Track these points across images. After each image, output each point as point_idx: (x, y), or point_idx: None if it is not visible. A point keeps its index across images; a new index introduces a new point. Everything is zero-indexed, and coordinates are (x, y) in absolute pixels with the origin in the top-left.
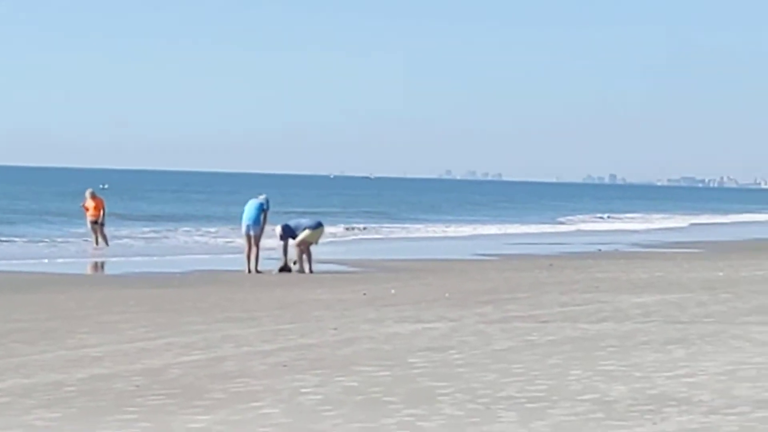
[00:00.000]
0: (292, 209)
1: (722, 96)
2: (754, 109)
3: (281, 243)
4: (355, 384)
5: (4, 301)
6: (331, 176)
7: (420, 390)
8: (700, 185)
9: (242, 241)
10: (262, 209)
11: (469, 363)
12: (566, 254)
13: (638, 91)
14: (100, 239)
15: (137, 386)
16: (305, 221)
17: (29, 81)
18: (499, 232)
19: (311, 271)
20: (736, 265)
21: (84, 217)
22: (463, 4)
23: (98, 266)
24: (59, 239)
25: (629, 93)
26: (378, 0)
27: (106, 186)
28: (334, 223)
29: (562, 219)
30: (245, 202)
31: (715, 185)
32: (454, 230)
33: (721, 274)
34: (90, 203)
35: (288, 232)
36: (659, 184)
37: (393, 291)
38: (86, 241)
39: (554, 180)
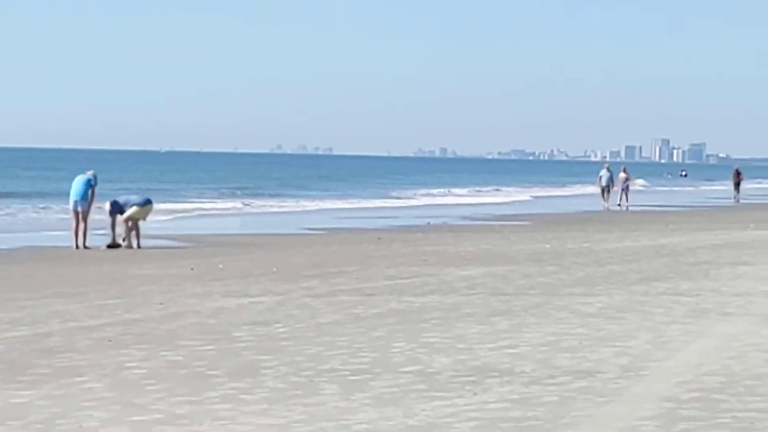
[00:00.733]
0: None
1: (553, 72)
2: (522, 83)
3: (110, 219)
4: (179, 358)
5: None
6: (162, 151)
7: (244, 363)
8: (531, 158)
9: (70, 217)
10: (90, 185)
11: (293, 336)
12: (395, 228)
13: (465, 66)
14: None
15: None
16: (134, 198)
17: None
18: (334, 206)
19: (139, 247)
20: (564, 237)
21: None
22: None
23: None
24: None
25: (459, 68)
26: None
27: None
28: (167, 200)
29: (394, 193)
30: (73, 178)
31: (546, 158)
32: (298, 205)
33: (548, 246)
34: None
35: (116, 208)
36: (490, 157)
37: (221, 266)
38: None
39: (385, 154)
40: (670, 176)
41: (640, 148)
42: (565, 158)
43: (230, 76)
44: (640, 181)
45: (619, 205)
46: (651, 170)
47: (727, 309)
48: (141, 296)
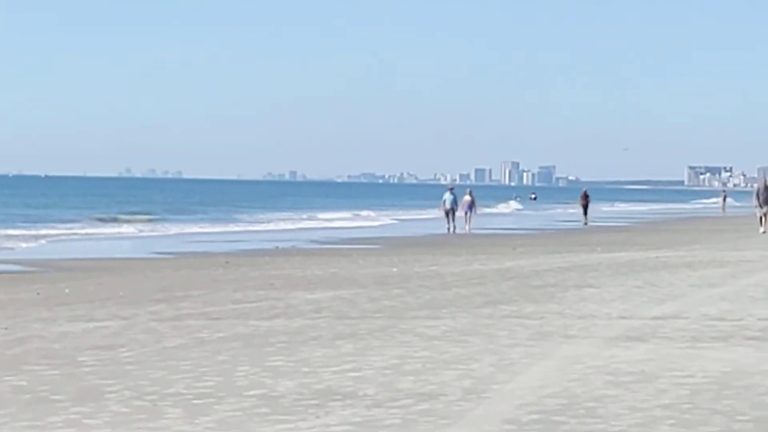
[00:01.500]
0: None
1: (399, 98)
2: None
3: None
4: (23, 383)
5: None
6: (10, 175)
7: (88, 388)
8: (381, 181)
9: None
10: None
11: (138, 361)
12: (244, 252)
13: (317, 92)
14: None
15: None
16: None
17: None
18: (184, 231)
19: None
20: (411, 261)
21: None
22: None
23: None
24: None
25: (308, 93)
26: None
27: None
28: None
29: (243, 216)
30: None
31: (396, 181)
32: (148, 229)
33: (395, 269)
34: None
35: None
36: (340, 180)
37: (67, 290)
38: None
39: (235, 177)
40: (519, 199)
41: (490, 170)
42: (415, 181)
43: (77, 98)
44: (513, 204)
45: (464, 228)
46: (500, 193)
47: (571, 332)
48: None
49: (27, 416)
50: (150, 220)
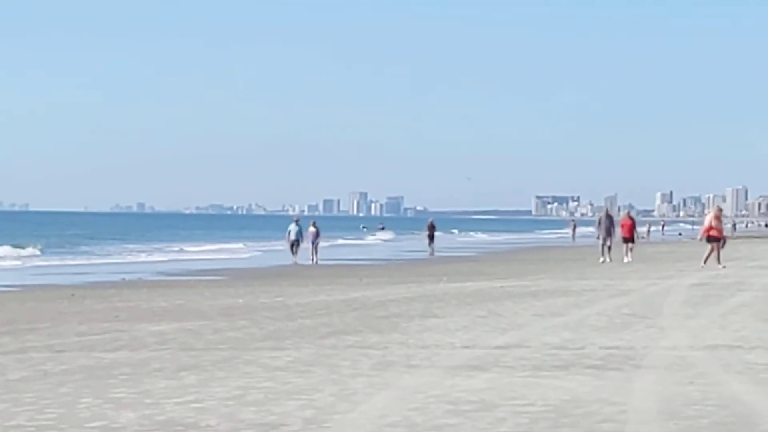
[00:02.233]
0: None
1: (245, 128)
2: (273, 141)
3: None
4: None
5: None
6: None
7: None
8: (229, 212)
9: None
10: None
11: None
12: (90, 284)
13: (161, 123)
14: None
15: None
16: None
17: None
18: (29, 264)
19: None
20: (257, 292)
21: None
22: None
23: None
24: None
25: (152, 125)
26: None
27: None
28: None
29: (90, 249)
30: None
31: (244, 212)
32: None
33: (240, 301)
34: None
35: None
36: (188, 212)
37: None
38: None
39: (82, 209)
40: (366, 229)
41: (338, 201)
42: (263, 212)
43: None
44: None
45: (310, 259)
46: (349, 224)
47: (413, 361)
48: None
49: None
50: None
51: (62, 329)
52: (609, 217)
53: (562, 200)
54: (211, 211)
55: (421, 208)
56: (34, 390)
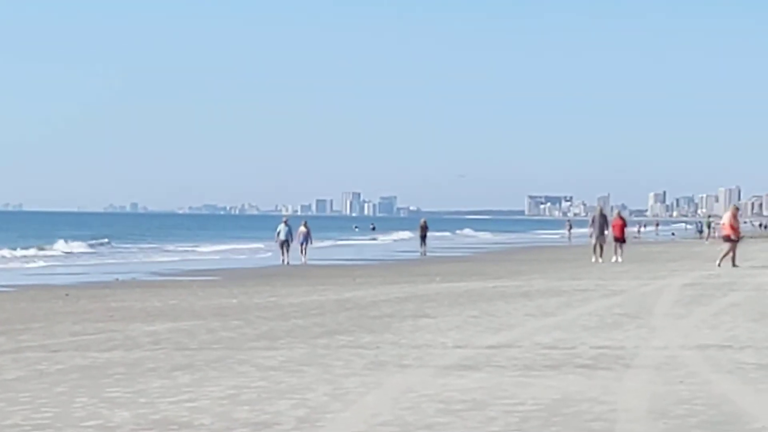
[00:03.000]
0: None
1: (235, 128)
2: (265, 141)
3: None
4: None
5: None
6: None
7: None
8: (222, 212)
9: None
10: None
11: None
12: (83, 284)
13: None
14: None
15: None
16: None
17: None
18: (24, 265)
19: None
20: (251, 292)
21: None
22: None
23: None
24: None
25: (143, 123)
26: None
27: None
28: None
29: (83, 249)
30: None
31: (237, 212)
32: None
33: (234, 301)
34: None
35: None
36: (181, 212)
37: None
38: None
39: (76, 209)
40: (358, 229)
41: (331, 201)
42: (256, 212)
43: None
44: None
45: (300, 259)
46: (341, 224)
47: (405, 361)
48: None
49: None
50: None
51: (57, 329)
52: (603, 217)
53: (554, 200)
54: (204, 211)
55: (414, 208)
56: (29, 389)
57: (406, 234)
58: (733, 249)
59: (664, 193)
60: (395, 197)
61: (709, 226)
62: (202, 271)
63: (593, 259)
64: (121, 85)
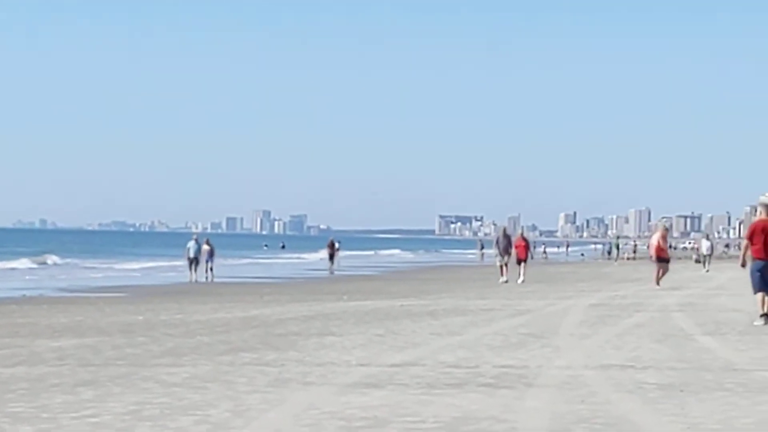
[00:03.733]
0: None
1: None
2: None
3: None
4: None
5: None
6: None
7: None
8: (132, 229)
9: None
10: None
11: None
12: None
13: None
14: None
15: None
16: None
17: None
18: None
19: None
20: (158, 309)
21: None
22: None
23: None
24: None
25: (57, 141)
26: None
27: None
28: None
29: None
30: None
31: (147, 229)
32: None
33: (140, 318)
34: None
35: None
36: (90, 228)
37: None
38: None
39: None
40: (266, 247)
41: (242, 219)
42: (166, 229)
43: None
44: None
45: (204, 276)
46: (251, 241)
47: (309, 378)
48: None
49: None
50: None
51: None
52: (506, 237)
53: (465, 219)
54: (113, 228)
55: (325, 227)
56: None
57: (318, 254)
58: (664, 268)
59: (575, 213)
60: (305, 215)
61: (618, 248)
62: (110, 287)
63: (501, 279)
64: (31, 99)
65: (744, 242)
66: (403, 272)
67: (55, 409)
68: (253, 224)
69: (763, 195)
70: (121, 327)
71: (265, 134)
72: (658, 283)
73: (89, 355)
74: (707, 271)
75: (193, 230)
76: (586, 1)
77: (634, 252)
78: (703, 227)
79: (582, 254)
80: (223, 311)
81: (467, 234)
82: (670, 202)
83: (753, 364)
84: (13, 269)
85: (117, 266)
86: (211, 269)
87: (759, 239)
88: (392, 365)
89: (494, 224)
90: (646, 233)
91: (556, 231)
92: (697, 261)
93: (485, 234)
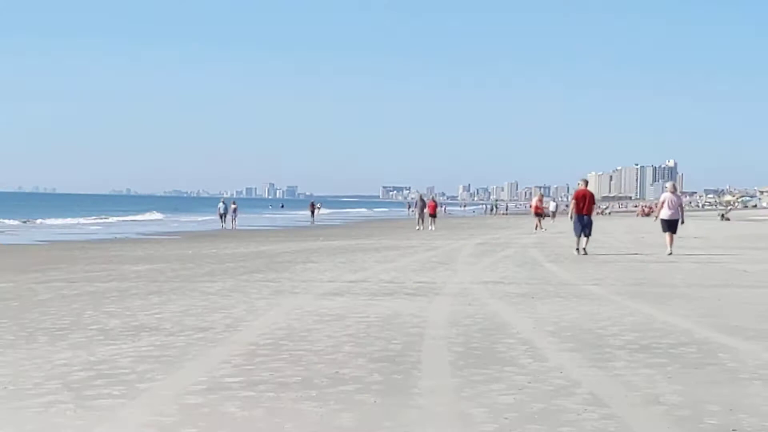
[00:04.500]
0: None
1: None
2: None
3: None
4: None
5: None
6: None
7: None
8: (185, 195)
9: None
10: None
11: (21, 306)
12: (92, 240)
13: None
14: None
15: None
16: None
17: None
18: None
19: None
20: (200, 246)
21: None
22: None
23: None
24: None
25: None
26: None
27: None
28: None
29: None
30: None
31: (195, 195)
32: None
33: (190, 252)
34: None
35: None
36: (161, 194)
37: None
38: None
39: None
40: (271, 207)
41: (255, 188)
42: (206, 195)
43: None
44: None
45: (231, 226)
46: (261, 203)
47: (296, 290)
48: None
49: None
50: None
51: (75, 268)
52: (422, 200)
53: (399, 189)
54: (173, 194)
55: (310, 194)
56: (56, 305)
57: (306, 212)
58: (539, 220)
59: (469, 185)
60: (297, 186)
61: (496, 207)
62: (171, 232)
63: (417, 227)
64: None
65: (572, 203)
66: (359, 223)
67: (135, 308)
68: (263, 192)
69: (584, 176)
70: (177, 257)
71: (273, 126)
72: (536, 229)
73: (156, 275)
74: (553, 222)
75: (223, 195)
76: None
77: (506, 210)
78: (551, 194)
79: (473, 211)
80: (242, 248)
81: (400, 198)
82: (530, 176)
83: (578, 280)
84: (143, 220)
85: (180, 219)
86: (234, 220)
87: (581, 201)
88: (349, 282)
89: (417, 192)
90: (515, 198)
91: (457, 196)
92: (547, 216)
93: (411, 198)
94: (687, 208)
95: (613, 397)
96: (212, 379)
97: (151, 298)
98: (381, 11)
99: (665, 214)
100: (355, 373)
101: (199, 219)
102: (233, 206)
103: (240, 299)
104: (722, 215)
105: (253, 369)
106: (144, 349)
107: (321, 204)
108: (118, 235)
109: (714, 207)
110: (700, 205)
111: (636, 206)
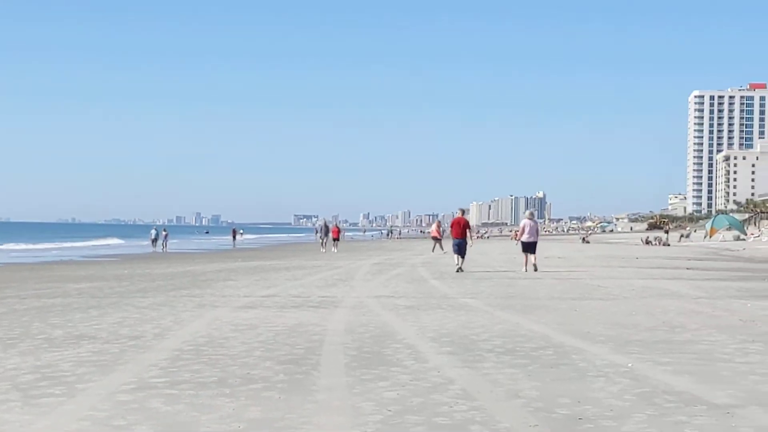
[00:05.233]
0: None
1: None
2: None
3: None
4: None
5: None
6: None
7: None
8: (123, 223)
9: None
10: None
11: None
12: (41, 262)
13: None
14: None
15: None
16: None
17: None
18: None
19: None
20: (135, 266)
21: None
22: None
23: None
24: None
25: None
26: None
27: None
28: None
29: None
30: None
31: (132, 223)
32: None
33: (126, 271)
34: None
35: None
36: (102, 222)
37: None
38: None
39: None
40: (197, 233)
41: (184, 217)
42: (142, 223)
43: None
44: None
45: (162, 250)
46: (189, 230)
47: (217, 304)
48: None
49: None
50: None
51: (25, 286)
52: (326, 226)
53: (308, 216)
54: (113, 222)
55: (231, 221)
56: (8, 319)
57: (227, 237)
58: (437, 243)
59: (369, 213)
60: (221, 214)
61: (391, 232)
62: (110, 255)
63: (322, 250)
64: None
65: (449, 229)
66: (274, 246)
67: (76, 320)
68: (191, 219)
69: (466, 205)
70: (115, 276)
71: (199, 161)
72: (433, 251)
73: (96, 291)
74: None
75: (157, 223)
76: None
77: (400, 235)
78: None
79: (372, 236)
80: (171, 268)
81: (309, 225)
82: (421, 205)
83: (457, 294)
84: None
85: (114, 242)
86: (165, 244)
87: (456, 228)
88: (262, 296)
89: (324, 219)
90: (407, 224)
91: (358, 223)
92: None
93: (318, 224)
94: (554, 232)
95: (481, 392)
96: (141, 380)
97: (91, 312)
98: (283, 60)
99: (525, 237)
100: (263, 374)
101: (133, 243)
102: (164, 232)
103: (168, 312)
104: (583, 239)
105: (176, 371)
106: (83, 355)
107: (243, 230)
108: (63, 258)
109: (577, 231)
110: (565, 230)
111: (510, 231)
